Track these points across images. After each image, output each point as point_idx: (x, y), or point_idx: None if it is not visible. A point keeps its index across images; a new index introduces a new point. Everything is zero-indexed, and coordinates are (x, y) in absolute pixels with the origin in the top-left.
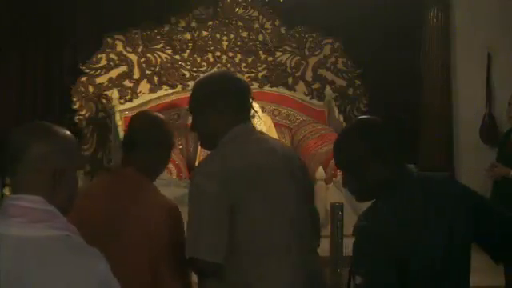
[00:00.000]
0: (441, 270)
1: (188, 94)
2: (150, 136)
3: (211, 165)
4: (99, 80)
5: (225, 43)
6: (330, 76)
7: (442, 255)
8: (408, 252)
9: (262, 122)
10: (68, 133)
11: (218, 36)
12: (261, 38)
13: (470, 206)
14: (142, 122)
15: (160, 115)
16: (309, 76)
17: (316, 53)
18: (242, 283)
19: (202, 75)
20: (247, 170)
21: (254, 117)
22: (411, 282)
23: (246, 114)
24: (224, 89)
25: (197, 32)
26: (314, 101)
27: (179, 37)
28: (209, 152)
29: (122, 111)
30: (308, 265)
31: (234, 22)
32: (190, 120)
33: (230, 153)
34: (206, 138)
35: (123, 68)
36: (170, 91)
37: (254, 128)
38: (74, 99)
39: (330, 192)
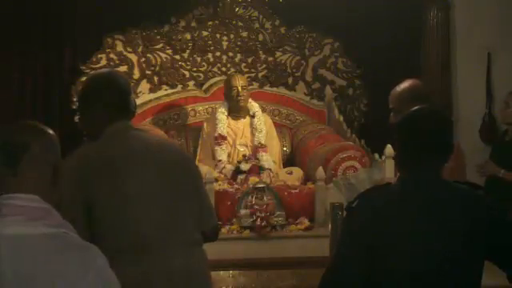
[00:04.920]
0: (425, 274)
1: (188, 94)
2: None
3: (69, 162)
4: None
5: (225, 43)
6: (330, 76)
7: (428, 260)
8: (381, 244)
9: (262, 121)
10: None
11: (217, 36)
12: (261, 38)
13: (483, 219)
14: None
15: None
16: (309, 76)
17: (316, 53)
18: None
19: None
20: (102, 165)
21: (254, 116)
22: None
23: (124, 112)
24: (106, 87)
25: (197, 32)
26: (314, 101)
27: (179, 37)
28: None
29: None
30: (177, 260)
31: (234, 22)
32: (189, 120)
33: (91, 150)
34: (90, 134)
35: (123, 68)
36: (170, 91)
37: (129, 125)
38: (74, 99)
39: (329, 192)
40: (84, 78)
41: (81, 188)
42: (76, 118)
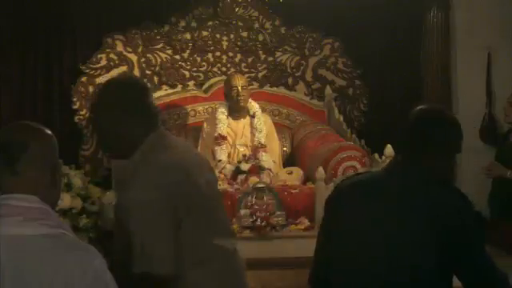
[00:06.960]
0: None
1: (188, 94)
2: None
3: (156, 177)
4: (99, 80)
5: (225, 43)
6: (330, 76)
7: (381, 247)
8: (339, 225)
9: (262, 121)
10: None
11: (218, 36)
12: (261, 37)
13: (442, 231)
14: None
15: None
16: (309, 76)
17: (316, 53)
18: None
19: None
20: (183, 177)
21: (254, 116)
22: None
23: (158, 119)
24: (145, 93)
25: (197, 32)
26: (314, 101)
27: (179, 37)
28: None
29: None
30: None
31: (234, 22)
32: (189, 120)
33: (168, 162)
34: (120, 144)
35: (123, 68)
36: (170, 91)
37: (166, 132)
38: (74, 99)
39: (329, 192)
40: (101, 82)
41: (171, 203)
42: (94, 134)
